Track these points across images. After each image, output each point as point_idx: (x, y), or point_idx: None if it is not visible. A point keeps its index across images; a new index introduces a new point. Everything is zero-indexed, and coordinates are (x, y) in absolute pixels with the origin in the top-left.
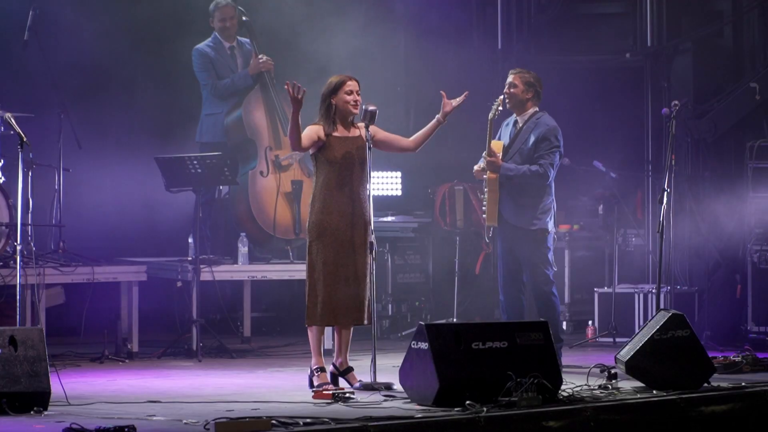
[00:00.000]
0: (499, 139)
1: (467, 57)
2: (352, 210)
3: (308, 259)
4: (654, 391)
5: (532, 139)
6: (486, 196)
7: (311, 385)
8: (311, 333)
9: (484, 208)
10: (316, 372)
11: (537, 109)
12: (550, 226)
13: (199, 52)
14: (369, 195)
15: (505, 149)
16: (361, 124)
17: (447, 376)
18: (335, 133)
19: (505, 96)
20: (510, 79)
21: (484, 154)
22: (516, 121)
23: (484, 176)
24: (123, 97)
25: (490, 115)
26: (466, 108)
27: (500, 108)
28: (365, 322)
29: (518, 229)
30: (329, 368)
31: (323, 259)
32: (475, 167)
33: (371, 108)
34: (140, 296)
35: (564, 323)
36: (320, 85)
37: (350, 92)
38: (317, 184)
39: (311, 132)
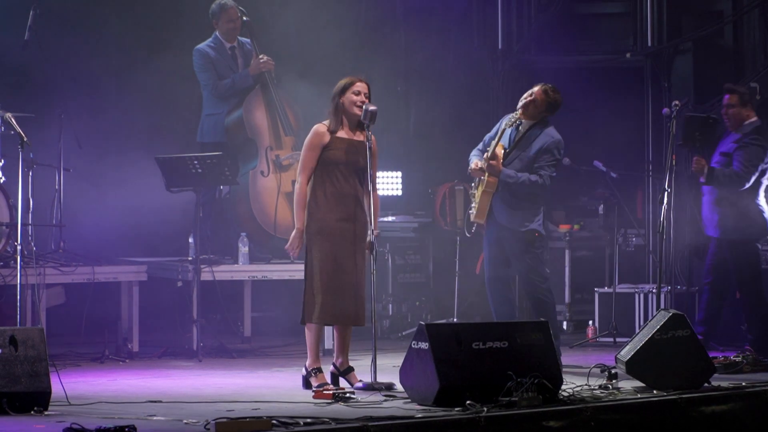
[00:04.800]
0: (496, 133)
1: (467, 57)
2: (354, 211)
3: (307, 258)
4: (654, 391)
5: (535, 148)
6: (478, 193)
7: (305, 385)
8: (309, 332)
9: (473, 205)
10: (314, 373)
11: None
12: (541, 227)
13: (200, 53)
14: (369, 195)
15: (506, 153)
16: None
17: (447, 376)
18: (339, 134)
19: (525, 101)
20: (536, 88)
21: (485, 155)
22: (519, 125)
23: (482, 177)
24: (123, 96)
25: (507, 122)
26: (466, 108)
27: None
28: (364, 323)
29: (508, 229)
30: (329, 368)
31: (322, 259)
32: (473, 165)
33: (371, 108)
34: (141, 296)
35: (564, 323)
36: (321, 86)
37: (357, 93)
38: (316, 184)
39: (314, 144)
